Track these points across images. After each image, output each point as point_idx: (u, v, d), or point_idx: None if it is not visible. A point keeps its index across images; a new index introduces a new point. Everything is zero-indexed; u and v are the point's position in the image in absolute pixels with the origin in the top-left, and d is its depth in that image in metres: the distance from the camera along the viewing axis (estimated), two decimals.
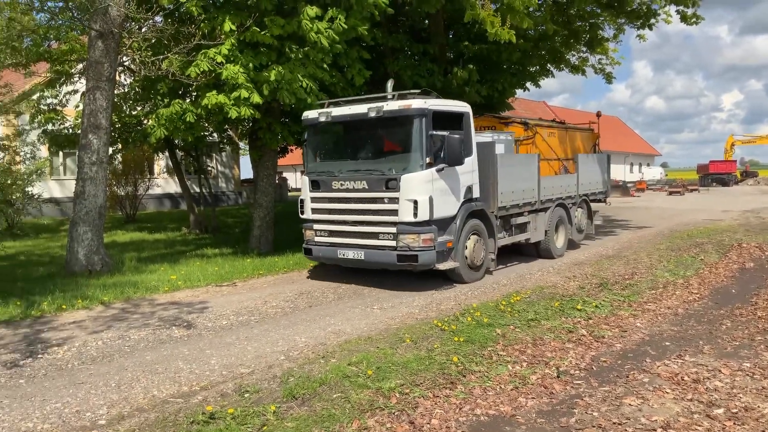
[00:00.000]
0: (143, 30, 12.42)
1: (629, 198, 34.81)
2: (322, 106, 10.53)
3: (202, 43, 11.01)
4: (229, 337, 7.05)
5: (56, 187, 25.10)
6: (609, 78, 19.61)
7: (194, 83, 11.36)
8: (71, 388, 5.45)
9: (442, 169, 9.16)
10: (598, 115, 16.95)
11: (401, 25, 16.70)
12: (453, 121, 9.78)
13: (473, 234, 9.95)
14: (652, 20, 17.10)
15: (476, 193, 10.05)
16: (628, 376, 5.55)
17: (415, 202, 8.85)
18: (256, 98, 11.01)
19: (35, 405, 5.07)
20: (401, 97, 9.45)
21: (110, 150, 14.05)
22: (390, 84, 10.24)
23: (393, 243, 9.12)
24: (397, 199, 8.97)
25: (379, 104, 9.27)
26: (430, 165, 9.04)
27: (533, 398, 5.09)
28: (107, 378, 5.69)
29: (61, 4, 12.80)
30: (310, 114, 10.33)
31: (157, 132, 12.19)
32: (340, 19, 11.49)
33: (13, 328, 7.45)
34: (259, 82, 11.30)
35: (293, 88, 11.30)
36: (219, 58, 11.03)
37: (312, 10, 11.28)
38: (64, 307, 8.28)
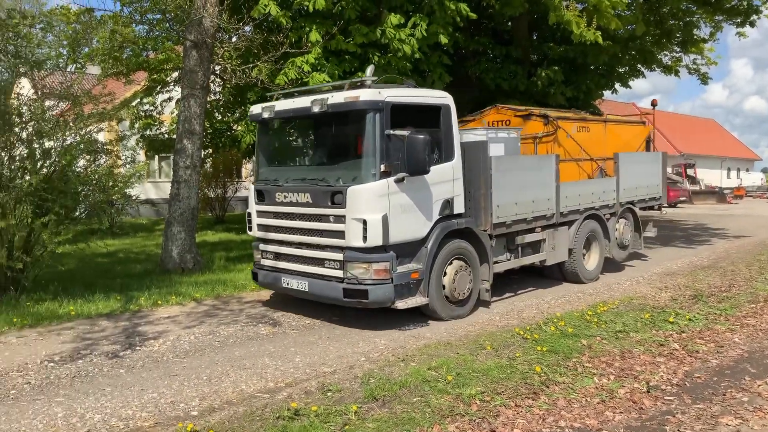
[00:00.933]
0: (234, 40, 13.01)
1: (726, 205, 32.70)
2: (271, 98, 8.68)
3: (290, 51, 11.37)
4: (311, 336, 7.25)
5: (152, 189, 26.57)
6: (704, 79, 18.62)
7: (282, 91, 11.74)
8: (166, 379, 5.78)
9: (402, 179, 7.12)
10: (653, 104, 14.58)
11: (484, 29, 16.56)
12: (427, 116, 7.75)
13: (456, 259, 7.87)
14: (754, 17, 16.06)
15: (459, 208, 7.95)
16: (725, 394, 5.24)
17: (364, 222, 6.91)
18: None
19: (134, 394, 5.41)
20: (353, 86, 7.56)
21: (202, 154, 14.75)
22: (369, 70, 7.93)
23: (340, 273, 7.24)
24: (344, 217, 7.07)
25: (324, 96, 7.38)
26: (386, 174, 7.05)
27: (621, 413, 4.91)
28: (199, 371, 5.98)
29: (158, 16, 13.59)
30: (254, 108, 8.51)
31: (246, 137, 12.69)
32: (422, 26, 11.67)
33: (114, 321, 7.95)
34: None
35: None
36: (306, 67, 11.43)
37: (395, 18, 11.49)
38: (159, 302, 8.77)
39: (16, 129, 8.88)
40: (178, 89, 13.17)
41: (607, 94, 19.21)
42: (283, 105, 8.00)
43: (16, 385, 5.67)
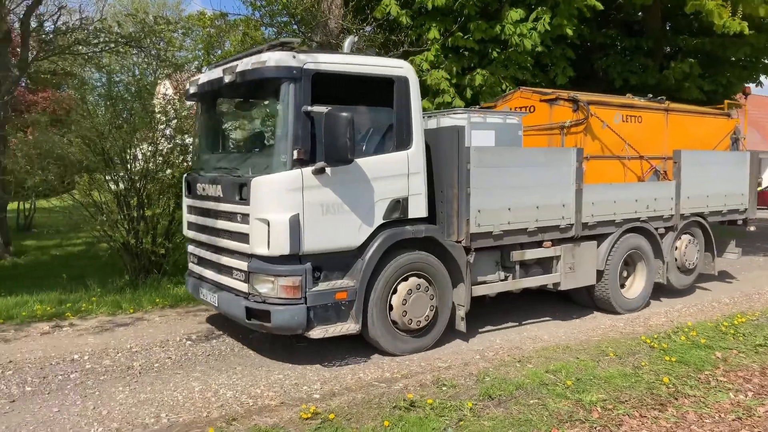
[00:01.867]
0: (356, 40, 13.31)
1: None
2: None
3: (409, 50, 11.47)
4: None
5: None
6: None
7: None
8: (290, 362, 6.09)
9: (323, 170, 5.57)
10: (746, 93, 12.25)
11: (612, 20, 15.78)
12: (374, 91, 6.09)
13: (412, 276, 6.22)
14: None
15: (417, 211, 6.20)
16: None
17: (268, 224, 5.54)
18: (459, 102, 11.29)
19: (262, 374, 5.76)
20: (272, 48, 5.73)
21: None
22: (349, 41, 6.63)
23: (245, 287, 5.87)
24: (249, 216, 5.71)
25: (235, 63, 5.90)
26: (301, 163, 5.53)
27: None
28: (321, 357, 6.23)
29: (286, 18, 14.22)
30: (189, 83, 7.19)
31: None
32: (544, 20, 11.33)
33: None
34: (461, 86, 11.57)
35: (494, 91, 11.38)
36: (425, 65, 11.51)
37: (516, 13, 11.31)
38: None
39: (161, 126, 9.71)
40: None
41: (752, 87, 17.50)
42: (204, 77, 6.59)
43: (159, 359, 6.22)
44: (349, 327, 5.86)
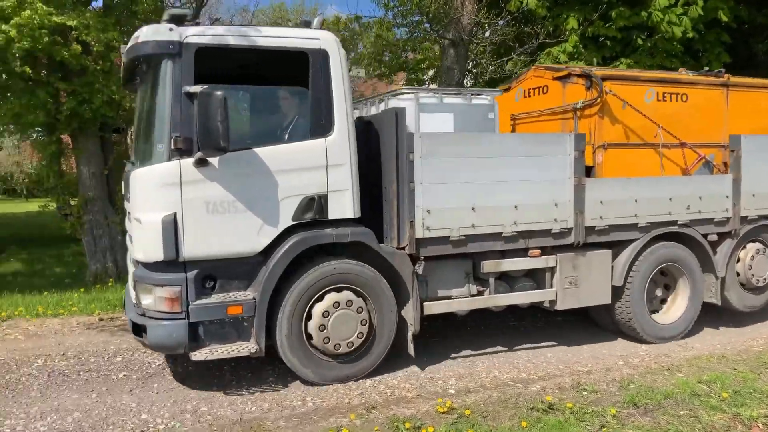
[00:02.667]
0: (488, 35, 13.10)
1: None
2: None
3: (546, 42, 11.40)
4: (563, 332, 7.12)
5: None
6: None
7: None
8: (426, 356, 6.08)
9: (204, 161, 4.77)
10: None
11: None
12: (286, 68, 5.25)
13: (336, 290, 5.28)
14: None
15: (341, 210, 5.25)
16: None
17: (141, 224, 4.91)
18: None
19: (399, 365, 5.84)
20: (174, 19, 4.91)
21: None
22: (317, 20, 5.40)
23: (134, 294, 5.21)
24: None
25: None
26: (181, 152, 4.77)
27: None
28: (454, 352, 6.37)
29: (418, 17, 13.94)
30: None
31: None
32: (698, 4, 10.51)
33: None
34: None
35: None
36: (563, 57, 11.10)
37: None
38: None
39: None
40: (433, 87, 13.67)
41: None
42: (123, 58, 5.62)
43: None
44: (247, 347, 4.98)
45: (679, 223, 6.60)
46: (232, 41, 4.99)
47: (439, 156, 5.45)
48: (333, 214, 5.22)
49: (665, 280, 6.85)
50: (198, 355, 4.87)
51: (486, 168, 5.65)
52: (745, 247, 7.14)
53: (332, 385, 5.32)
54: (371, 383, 5.44)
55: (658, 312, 6.80)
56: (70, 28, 8.49)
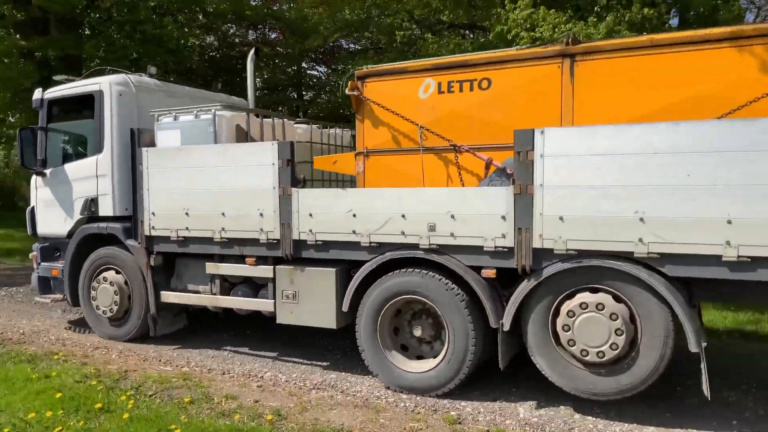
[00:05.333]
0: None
1: None
2: None
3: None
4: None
5: None
6: None
7: None
8: None
9: (41, 173, 7.45)
10: None
11: None
12: (86, 106, 7.06)
13: (107, 269, 6.92)
14: None
15: (106, 209, 6.86)
16: None
17: None
18: None
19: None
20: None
21: None
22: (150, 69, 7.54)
23: None
24: None
25: None
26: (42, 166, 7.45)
27: None
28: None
29: None
30: None
31: None
32: None
33: None
34: None
35: None
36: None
37: None
38: None
39: None
40: None
41: None
42: None
43: None
44: (59, 298, 7.54)
45: (421, 247, 5.08)
46: (60, 93, 7.42)
47: (161, 167, 6.27)
48: (102, 212, 6.94)
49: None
50: (37, 298, 7.85)
51: (197, 177, 6.07)
52: (572, 297, 4.70)
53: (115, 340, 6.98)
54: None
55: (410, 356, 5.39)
56: None
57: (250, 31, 21.78)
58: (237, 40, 21.63)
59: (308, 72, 22.62)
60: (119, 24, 15.06)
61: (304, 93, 22.48)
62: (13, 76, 14.02)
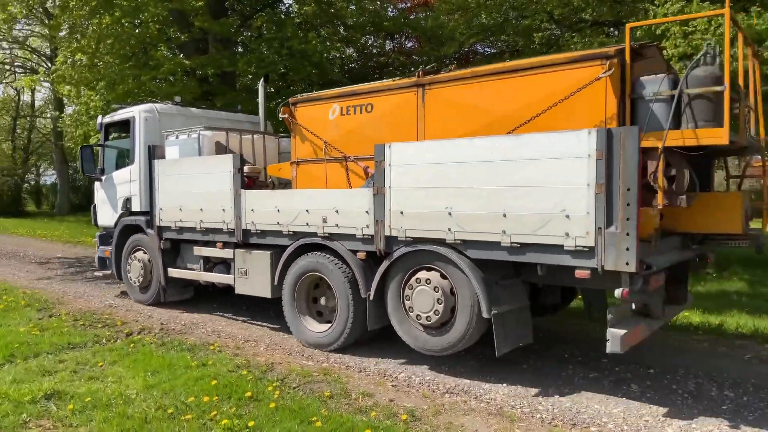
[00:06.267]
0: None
1: None
2: None
3: None
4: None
5: None
6: None
7: None
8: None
9: (99, 179, 10.02)
10: None
11: None
12: (127, 128, 9.49)
13: (139, 251, 9.20)
14: None
15: (136, 206, 9.18)
16: None
17: None
18: None
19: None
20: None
21: None
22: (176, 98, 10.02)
23: None
24: None
25: None
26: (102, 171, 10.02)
27: None
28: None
29: None
30: None
31: None
32: None
33: None
34: None
35: None
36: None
37: None
38: None
39: None
40: None
41: None
42: None
43: None
44: (107, 273, 10.01)
45: (318, 234, 6.64)
46: (109, 119, 9.92)
47: (165, 174, 8.40)
48: (134, 208, 9.24)
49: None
50: (97, 273, 10.32)
51: (186, 182, 8.09)
52: (415, 273, 6.01)
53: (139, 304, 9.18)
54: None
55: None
56: None
57: (387, 41, 22.25)
58: (375, 51, 22.13)
59: None
60: (268, 41, 16.04)
61: None
62: (178, 92, 15.09)
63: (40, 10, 24.91)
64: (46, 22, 24.67)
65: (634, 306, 5.33)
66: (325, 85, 17.10)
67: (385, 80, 7.20)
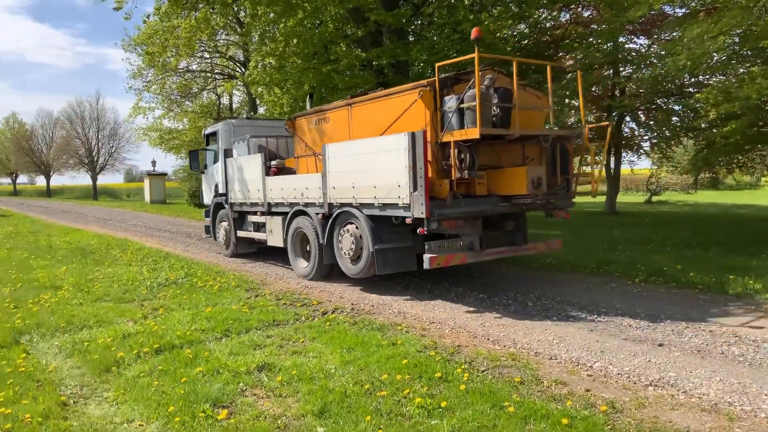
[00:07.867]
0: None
1: None
2: None
3: None
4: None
5: None
6: None
7: None
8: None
9: (203, 171, 14.95)
10: None
11: None
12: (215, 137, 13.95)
13: (223, 221, 13.47)
14: None
15: (223, 190, 13.13)
16: None
17: None
18: None
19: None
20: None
21: None
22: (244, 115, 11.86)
23: None
24: None
25: None
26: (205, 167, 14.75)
27: None
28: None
29: None
30: None
31: None
32: None
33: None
34: None
35: None
36: None
37: None
38: None
39: None
40: None
41: None
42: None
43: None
44: (207, 237, 14.57)
45: (300, 204, 10.28)
46: (205, 131, 14.35)
47: (232, 168, 12.60)
48: (220, 192, 13.61)
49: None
50: (203, 236, 14.93)
51: (240, 172, 12.22)
52: (345, 226, 9.37)
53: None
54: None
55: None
56: None
57: (562, 12, 20.83)
58: (549, 24, 21.06)
59: (626, 46, 20.53)
60: (440, 26, 16.24)
61: (621, 69, 21.24)
62: (357, 84, 15.53)
63: (234, 20, 26.97)
64: (239, 30, 26.72)
65: (462, 243, 8.27)
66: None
67: (336, 102, 10.75)
